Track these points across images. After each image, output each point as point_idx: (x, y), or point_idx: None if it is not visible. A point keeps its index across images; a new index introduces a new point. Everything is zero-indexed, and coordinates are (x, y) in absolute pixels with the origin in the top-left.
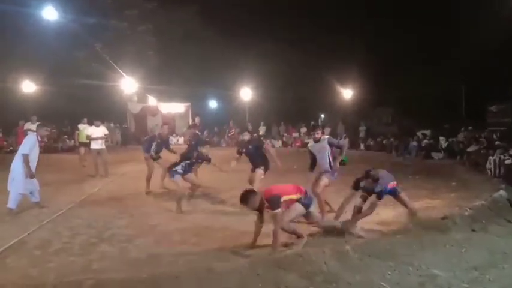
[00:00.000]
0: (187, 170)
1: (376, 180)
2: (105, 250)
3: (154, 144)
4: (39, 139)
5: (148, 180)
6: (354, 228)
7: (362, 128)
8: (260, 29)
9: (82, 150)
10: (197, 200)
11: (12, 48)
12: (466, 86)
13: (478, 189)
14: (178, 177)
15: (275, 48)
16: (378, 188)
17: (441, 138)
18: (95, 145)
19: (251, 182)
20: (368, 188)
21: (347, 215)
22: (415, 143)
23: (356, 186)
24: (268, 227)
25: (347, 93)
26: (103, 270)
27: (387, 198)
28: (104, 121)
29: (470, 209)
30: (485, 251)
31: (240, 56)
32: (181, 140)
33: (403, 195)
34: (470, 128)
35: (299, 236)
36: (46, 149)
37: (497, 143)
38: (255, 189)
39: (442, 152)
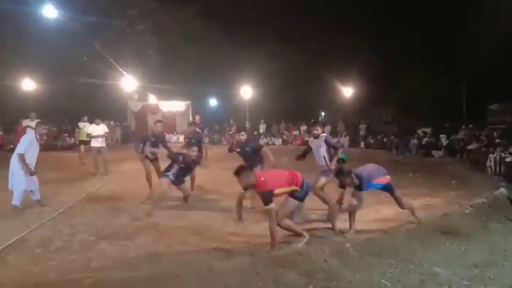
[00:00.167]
0: (179, 177)
1: (347, 174)
2: (105, 248)
3: (148, 143)
4: (38, 137)
5: (148, 180)
6: (334, 221)
7: (362, 126)
8: (261, 28)
9: (82, 148)
10: (197, 199)
11: (12, 46)
12: (466, 86)
13: (478, 187)
14: (165, 181)
15: (275, 47)
16: (356, 181)
17: (441, 136)
18: (95, 143)
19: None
20: (346, 182)
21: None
22: (415, 141)
23: (340, 185)
24: (266, 226)
25: (347, 91)
26: (103, 269)
27: (387, 197)
28: (104, 119)
29: (470, 206)
30: (485, 248)
31: (240, 55)
32: (181, 138)
33: (398, 193)
34: (470, 126)
35: (298, 234)
36: (46, 147)
37: (497, 140)
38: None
39: (443, 150)
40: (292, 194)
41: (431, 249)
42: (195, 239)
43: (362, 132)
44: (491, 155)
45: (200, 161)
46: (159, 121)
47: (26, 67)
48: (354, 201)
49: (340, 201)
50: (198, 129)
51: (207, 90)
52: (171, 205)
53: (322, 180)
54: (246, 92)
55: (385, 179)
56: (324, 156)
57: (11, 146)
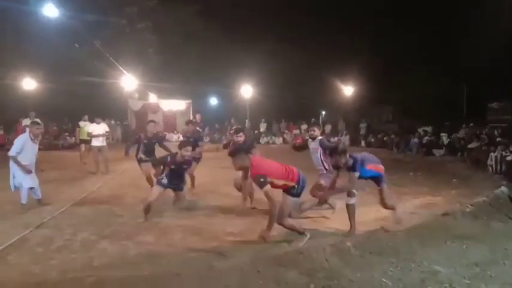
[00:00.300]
0: (172, 181)
1: (342, 152)
2: (106, 247)
3: (141, 146)
4: (32, 137)
5: (149, 182)
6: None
7: (363, 125)
8: (261, 28)
9: (83, 147)
10: (197, 198)
11: (12, 46)
12: (466, 85)
13: (479, 185)
14: (158, 188)
15: (276, 46)
16: (350, 162)
17: (442, 134)
18: (95, 142)
19: (238, 186)
20: (340, 162)
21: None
22: (416, 140)
23: (334, 165)
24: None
25: (348, 90)
26: (104, 268)
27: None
28: (104, 118)
29: (471, 205)
30: (486, 247)
31: (240, 54)
32: (182, 137)
33: (385, 188)
34: (471, 124)
35: (300, 233)
36: (47, 146)
37: (498, 139)
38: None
39: (443, 148)
40: (288, 191)
41: (432, 248)
42: (195, 238)
43: (362, 131)
44: (492, 154)
45: (192, 162)
46: (152, 121)
47: (26, 66)
48: (348, 185)
49: (332, 187)
50: (198, 128)
51: (208, 89)
52: (173, 205)
53: (321, 182)
54: (247, 91)
55: (379, 167)
56: (322, 159)
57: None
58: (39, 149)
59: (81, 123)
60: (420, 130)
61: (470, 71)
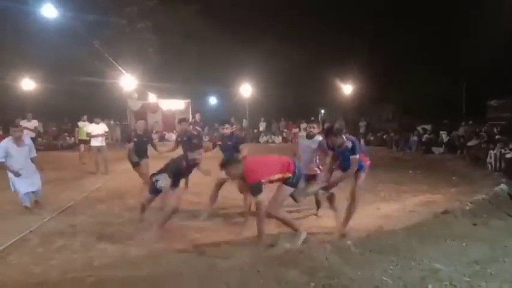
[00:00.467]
0: (176, 183)
1: (338, 132)
2: (106, 247)
3: (132, 144)
4: (15, 141)
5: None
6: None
7: (362, 124)
8: (260, 27)
9: (82, 147)
10: (197, 199)
11: (12, 46)
12: (466, 85)
13: (478, 183)
14: (174, 191)
15: (275, 45)
16: (348, 144)
17: (442, 132)
18: (95, 142)
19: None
20: (336, 143)
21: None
22: (415, 138)
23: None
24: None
25: (347, 89)
26: (104, 268)
27: (389, 194)
28: (104, 118)
29: (471, 203)
30: (486, 245)
31: (240, 53)
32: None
33: (360, 184)
34: (470, 122)
35: (294, 229)
36: (46, 146)
37: (497, 137)
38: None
39: (443, 146)
40: (285, 181)
41: (432, 246)
42: (196, 237)
43: (362, 130)
44: (491, 151)
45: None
46: (141, 119)
47: (25, 66)
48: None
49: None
50: (198, 128)
51: (207, 89)
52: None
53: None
54: (246, 90)
55: (366, 158)
56: (316, 160)
57: None
58: (38, 149)
59: (80, 124)
60: (419, 128)
61: (470, 71)
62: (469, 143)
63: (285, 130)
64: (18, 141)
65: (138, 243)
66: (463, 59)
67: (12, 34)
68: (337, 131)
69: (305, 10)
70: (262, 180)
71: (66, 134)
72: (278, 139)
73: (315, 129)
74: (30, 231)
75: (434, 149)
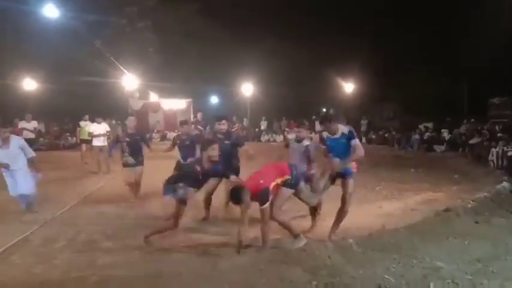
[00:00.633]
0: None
1: (333, 118)
2: (109, 247)
3: (124, 145)
4: (0, 144)
5: (130, 187)
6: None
7: (364, 122)
8: (261, 26)
9: (84, 147)
10: (198, 198)
11: (13, 46)
12: (467, 85)
13: (480, 181)
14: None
15: (276, 44)
16: (345, 130)
17: (443, 130)
18: (96, 142)
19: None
20: (331, 130)
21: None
22: (417, 136)
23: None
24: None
25: (348, 87)
26: (107, 267)
27: (391, 193)
28: (105, 118)
29: (473, 201)
30: (488, 243)
31: (241, 52)
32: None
33: (351, 187)
34: (472, 120)
35: (293, 234)
36: (48, 146)
37: (499, 134)
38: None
39: (444, 144)
40: (284, 184)
41: (433, 244)
42: (198, 237)
43: (363, 128)
44: (493, 149)
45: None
46: (131, 116)
47: (27, 67)
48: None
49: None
50: (199, 127)
51: (208, 88)
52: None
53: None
54: (247, 89)
55: (354, 163)
56: (306, 165)
57: None
58: (40, 150)
59: (82, 123)
60: (421, 126)
61: (471, 71)
62: (471, 141)
63: (286, 129)
64: (5, 142)
65: (140, 242)
66: (463, 59)
67: (13, 34)
68: (331, 116)
69: (305, 10)
70: (268, 188)
71: (68, 133)
72: (279, 138)
73: (301, 133)
74: (32, 231)
75: (436, 147)
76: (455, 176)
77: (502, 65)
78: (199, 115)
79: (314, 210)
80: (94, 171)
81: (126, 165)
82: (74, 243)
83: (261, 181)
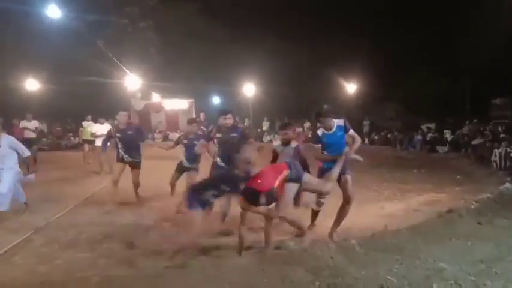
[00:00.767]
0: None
1: (327, 113)
2: (111, 247)
3: (117, 142)
4: None
5: (113, 187)
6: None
7: (366, 123)
8: (262, 26)
9: (86, 147)
10: None
11: (15, 46)
12: (467, 85)
13: (483, 182)
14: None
15: (278, 44)
16: (339, 122)
17: (446, 131)
18: (99, 142)
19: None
20: (326, 125)
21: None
22: (419, 137)
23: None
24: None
25: (350, 88)
26: (109, 267)
27: (393, 193)
28: (108, 118)
29: (476, 202)
30: (491, 244)
31: (242, 52)
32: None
33: (351, 184)
34: (475, 121)
35: (301, 231)
36: (51, 146)
37: (502, 135)
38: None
39: (447, 145)
40: (286, 180)
41: (436, 245)
42: (200, 237)
43: (366, 129)
44: (496, 150)
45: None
46: (122, 111)
47: (29, 67)
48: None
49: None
50: (202, 127)
51: (210, 88)
52: (177, 204)
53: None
54: (249, 89)
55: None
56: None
57: None
58: (42, 149)
59: (85, 124)
60: (424, 127)
61: (471, 71)
62: (474, 142)
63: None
64: None
65: (142, 242)
66: (463, 59)
67: (16, 35)
68: (326, 111)
69: (305, 10)
70: (273, 188)
71: (70, 134)
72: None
73: (288, 135)
74: (34, 231)
75: (438, 147)
76: (458, 176)
77: (502, 65)
78: (202, 115)
79: (316, 213)
80: (96, 172)
81: (119, 160)
82: (76, 243)
83: (259, 181)
